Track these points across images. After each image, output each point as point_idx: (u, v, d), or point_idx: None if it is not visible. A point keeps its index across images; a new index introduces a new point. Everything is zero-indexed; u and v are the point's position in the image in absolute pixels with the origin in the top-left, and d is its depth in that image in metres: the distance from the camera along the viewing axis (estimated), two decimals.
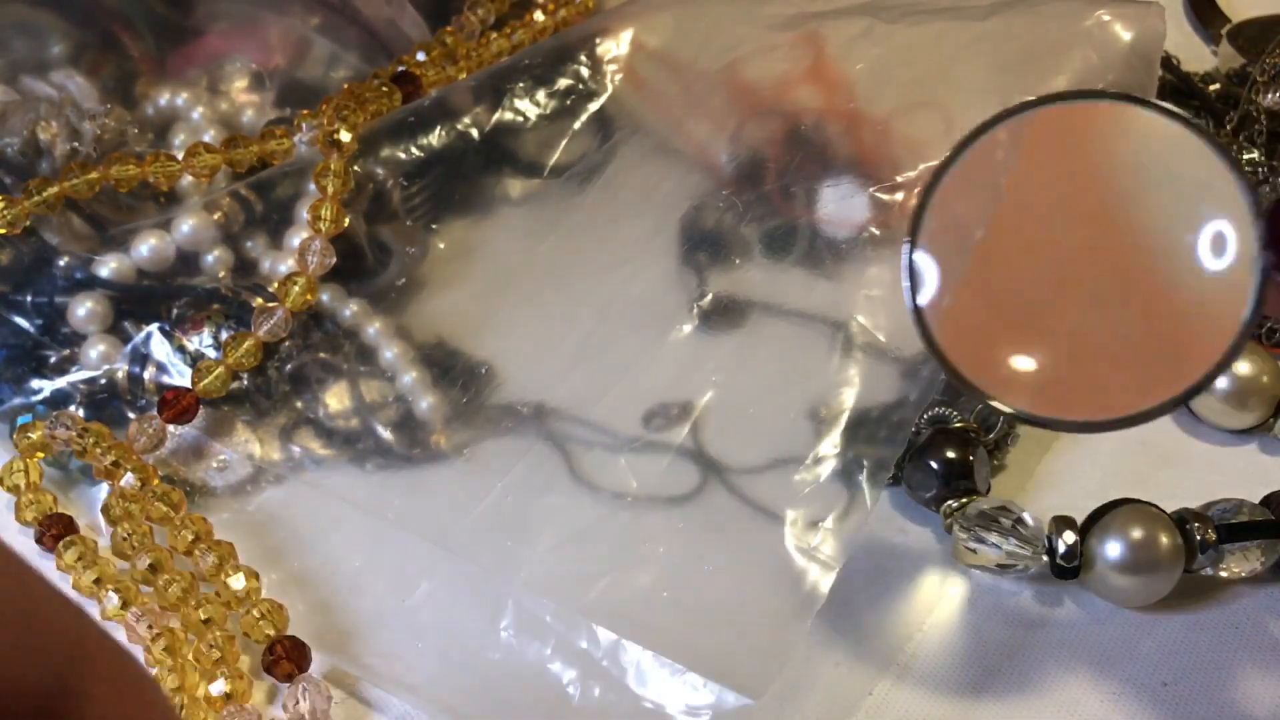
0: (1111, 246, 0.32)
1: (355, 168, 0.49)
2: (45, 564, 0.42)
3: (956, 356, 0.32)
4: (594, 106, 0.52)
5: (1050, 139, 0.32)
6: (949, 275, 0.32)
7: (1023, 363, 0.32)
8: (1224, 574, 0.41)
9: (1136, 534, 0.40)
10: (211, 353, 0.46)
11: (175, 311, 0.47)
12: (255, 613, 0.40)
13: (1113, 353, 0.32)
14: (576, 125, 0.52)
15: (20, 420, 0.45)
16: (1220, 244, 0.31)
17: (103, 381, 0.46)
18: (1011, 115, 0.33)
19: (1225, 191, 0.31)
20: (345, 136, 0.48)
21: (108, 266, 0.48)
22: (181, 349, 0.46)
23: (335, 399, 0.46)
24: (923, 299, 0.32)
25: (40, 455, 0.45)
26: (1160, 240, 0.31)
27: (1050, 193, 0.32)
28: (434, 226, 0.51)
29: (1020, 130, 0.32)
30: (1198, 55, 0.60)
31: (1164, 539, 0.40)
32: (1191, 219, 0.31)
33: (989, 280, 0.32)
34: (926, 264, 0.32)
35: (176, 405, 0.45)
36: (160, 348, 0.46)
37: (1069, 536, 0.40)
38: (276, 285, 0.47)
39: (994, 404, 0.32)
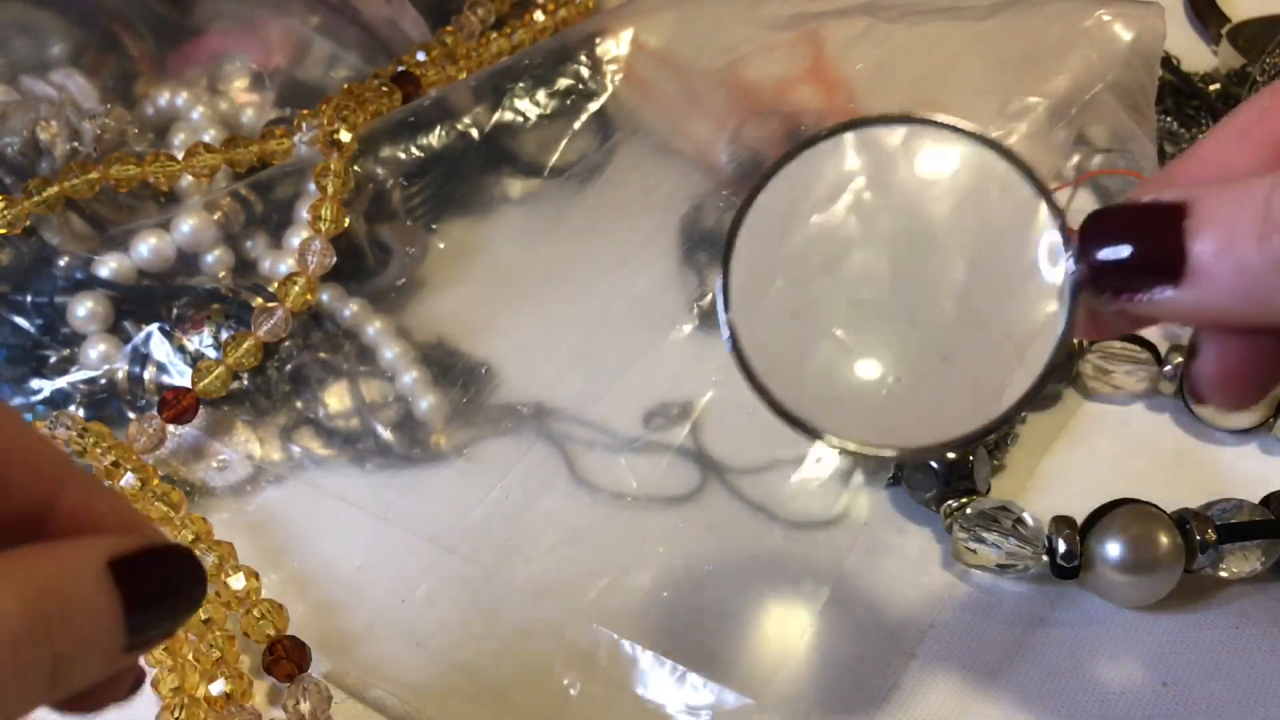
0: (924, 273, 0.31)
1: (355, 168, 0.49)
2: None
3: (781, 392, 0.30)
4: (594, 106, 0.52)
5: (845, 165, 0.31)
6: (768, 312, 0.31)
7: (848, 395, 0.31)
8: (1224, 574, 0.41)
9: (1136, 534, 0.40)
10: (211, 353, 0.46)
11: (175, 311, 0.47)
12: (255, 613, 0.40)
13: (934, 381, 0.30)
14: (576, 125, 0.52)
15: None
16: (1031, 263, 0.30)
17: (103, 381, 0.46)
18: (808, 145, 0.31)
19: (1031, 207, 0.30)
20: (345, 136, 0.48)
21: (108, 266, 0.48)
22: (181, 349, 0.46)
23: (335, 399, 0.46)
24: (742, 339, 0.31)
25: None
26: (971, 264, 0.30)
27: (859, 221, 0.31)
28: (434, 226, 0.51)
29: (819, 158, 0.31)
30: (1198, 55, 0.60)
31: (1164, 539, 0.40)
32: (1001, 239, 0.30)
33: (806, 312, 0.31)
34: (742, 304, 0.31)
35: (176, 405, 0.45)
36: (160, 348, 0.46)
37: (1069, 536, 0.40)
38: (276, 285, 0.47)
39: (825, 439, 0.30)
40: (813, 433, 0.30)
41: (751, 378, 0.31)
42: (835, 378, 0.31)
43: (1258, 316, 0.27)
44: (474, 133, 0.51)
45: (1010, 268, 0.30)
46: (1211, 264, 0.26)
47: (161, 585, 0.25)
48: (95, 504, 0.26)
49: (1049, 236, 0.30)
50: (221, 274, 0.49)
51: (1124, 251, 0.28)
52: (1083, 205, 0.54)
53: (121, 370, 0.46)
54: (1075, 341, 0.47)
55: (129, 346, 0.47)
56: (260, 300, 0.47)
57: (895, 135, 0.31)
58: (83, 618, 0.23)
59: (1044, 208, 0.30)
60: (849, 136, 0.31)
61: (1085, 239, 0.28)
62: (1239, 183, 0.27)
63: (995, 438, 0.45)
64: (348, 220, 0.48)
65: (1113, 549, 0.40)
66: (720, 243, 0.48)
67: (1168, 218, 0.27)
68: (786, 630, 0.39)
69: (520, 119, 0.52)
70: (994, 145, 0.31)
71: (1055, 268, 0.30)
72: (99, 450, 0.44)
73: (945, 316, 0.30)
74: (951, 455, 0.42)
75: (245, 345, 0.45)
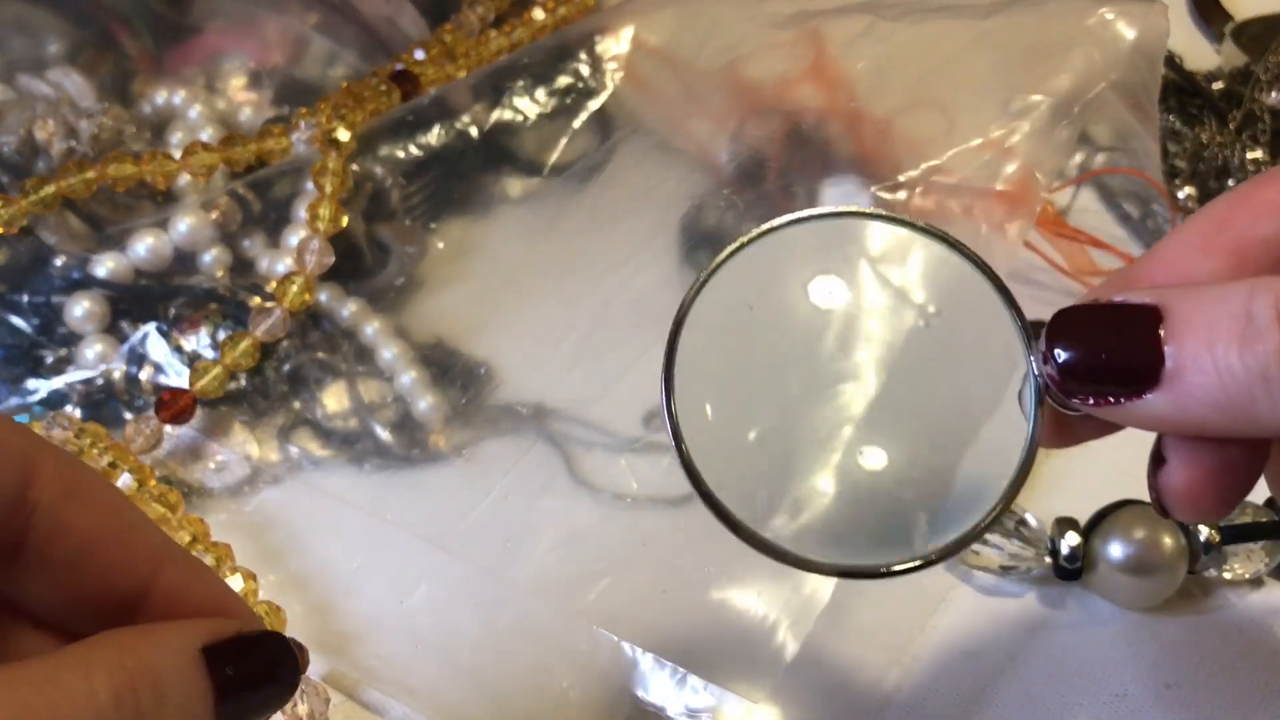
0: (885, 379, 0.29)
1: (353, 166, 0.49)
2: None
3: (734, 504, 0.29)
4: (594, 105, 0.52)
5: (798, 261, 0.30)
6: (716, 416, 0.29)
7: (805, 505, 0.29)
8: (1228, 575, 0.41)
9: (1139, 535, 0.40)
10: (209, 353, 0.46)
11: (173, 311, 0.47)
12: None
13: (895, 493, 0.29)
14: (576, 124, 0.52)
15: (17, 420, 0.45)
16: (992, 366, 0.28)
17: (100, 381, 0.46)
18: (759, 237, 0.30)
19: (991, 306, 0.29)
20: (343, 135, 0.48)
21: (105, 266, 0.47)
22: (179, 349, 0.46)
23: (333, 399, 0.46)
24: (689, 443, 0.29)
25: None
26: (932, 369, 0.29)
27: (805, 318, 0.29)
28: (433, 226, 0.51)
29: (768, 252, 0.30)
30: (1201, 53, 0.60)
31: (1167, 540, 0.40)
32: (960, 341, 0.29)
33: (756, 417, 0.29)
34: (689, 405, 0.29)
35: (174, 405, 0.44)
36: (157, 348, 0.46)
37: (1072, 538, 0.40)
38: (274, 285, 0.46)
39: (779, 551, 0.29)
40: (777, 554, 0.28)
41: (703, 491, 0.29)
42: (794, 493, 0.29)
43: (1236, 426, 0.25)
44: (473, 131, 0.51)
45: (970, 370, 0.29)
46: (1189, 370, 0.25)
47: (255, 673, 0.25)
48: (194, 585, 0.26)
49: (1010, 337, 0.28)
50: (219, 273, 0.49)
51: (1094, 354, 0.26)
52: (1086, 204, 0.54)
53: (118, 370, 0.46)
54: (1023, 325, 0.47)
55: (126, 346, 0.46)
56: (258, 300, 0.47)
57: (843, 231, 0.30)
58: (174, 705, 0.23)
59: (1003, 306, 0.29)
60: (794, 231, 0.30)
61: (1052, 339, 0.27)
62: (1215, 286, 0.26)
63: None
64: (346, 219, 0.47)
65: (1116, 550, 0.40)
66: (721, 242, 0.48)
67: (1142, 319, 0.26)
68: (786, 632, 0.39)
69: (520, 117, 0.52)
70: (945, 239, 0.29)
71: (1017, 371, 0.28)
72: (96, 451, 0.43)
73: (907, 425, 0.29)
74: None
75: (243, 345, 0.45)
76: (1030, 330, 0.28)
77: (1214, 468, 0.27)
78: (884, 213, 0.30)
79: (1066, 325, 0.27)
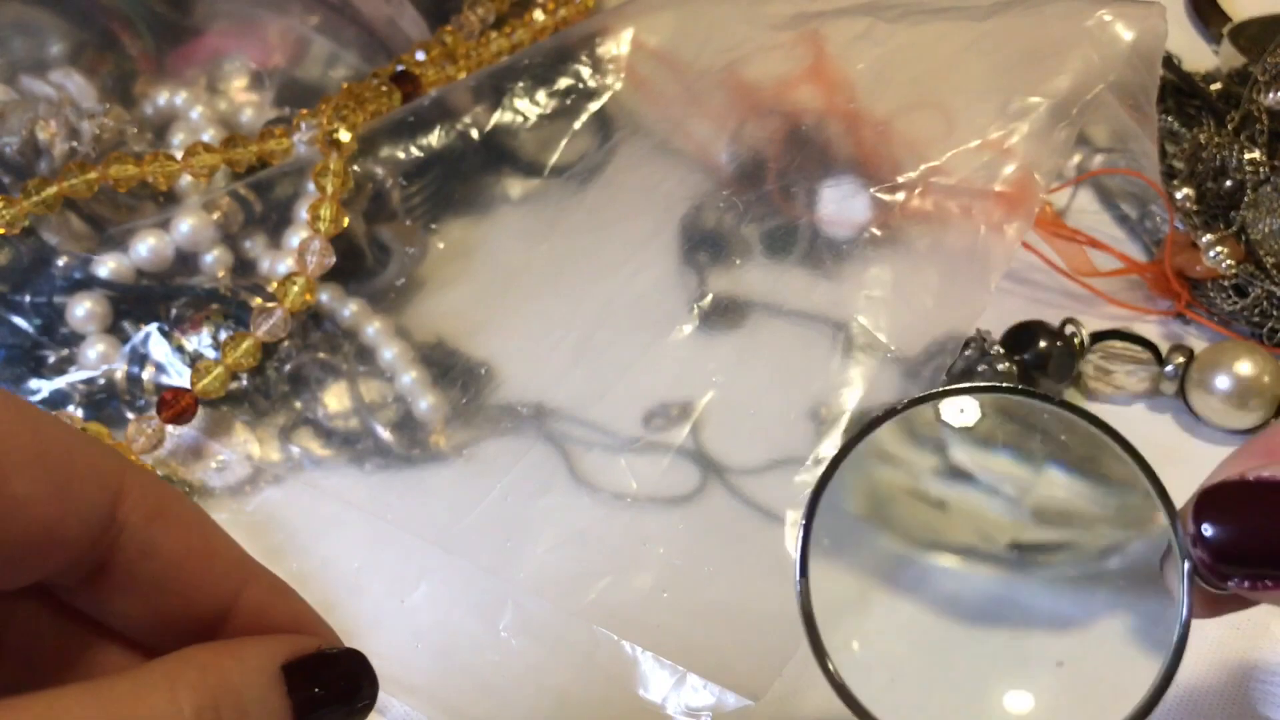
0: (1028, 570, 0.28)
1: (354, 167, 0.49)
2: None
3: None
4: (594, 106, 0.52)
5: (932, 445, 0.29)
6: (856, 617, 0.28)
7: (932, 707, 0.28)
8: None
9: None
10: (210, 353, 0.46)
11: (174, 311, 0.47)
12: None
13: (1052, 691, 0.28)
14: (576, 125, 0.52)
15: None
16: (1142, 554, 0.27)
17: (101, 381, 0.46)
18: (892, 416, 0.28)
19: (1143, 498, 0.27)
20: (344, 136, 0.48)
21: (106, 266, 0.47)
22: (180, 349, 0.46)
23: (334, 399, 0.46)
24: (834, 653, 0.28)
25: None
26: (1083, 556, 0.28)
27: (956, 506, 0.29)
28: (433, 226, 0.51)
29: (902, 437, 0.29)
30: (1199, 54, 0.60)
31: None
32: (1108, 527, 0.28)
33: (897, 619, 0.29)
34: (829, 608, 0.28)
35: (175, 405, 0.44)
36: (159, 348, 0.46)
37: None
38: (275, 285, 0.47)
39: None
40: None
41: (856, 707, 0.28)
42: (935, 698, 0.28)
43: None
44: (473, 132, 0.51)
45: (1120, 559, 0.28)
46: None
47: (334, 690, 0.25)
48: (275, 603, 0.26)
49: (1159, 523, 0.27)
50: (220, 274, 0.49)
51: (1249, 537, 0.25)
52: (1084, 204, 0.54)
53: (120, 370, 0.46)
54: (1076, 342, 0.47)
55: (127, 347, 0.47)
56: (259, 300, 0.47)
57: (992, 410, 0.28)
58: None
59: (1151, 492, 0.28)
60: (928, 409, 0.29)
61: (1201, 518, 0.25)
62: None
63: None
64: (347, 220, 0.48)
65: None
66: (721, 243, 0.48)
67: None
68: (786, 630, 0.39)
69: (520, 119, 0.52)
70: (1100, 425, 0.28)
71: (1167, 551, 0.27)
72: None
73: (1056, 616, 0.28)
74: None
75: (244, 345, 0.45)
76: (1173, 507, 0.27)
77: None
78: (1052, 399, 0.28)
79: (1217, 504, 0.26)
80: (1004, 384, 0.29)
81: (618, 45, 0.53)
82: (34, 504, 0.22)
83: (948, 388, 0.29)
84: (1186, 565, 0.26)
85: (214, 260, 0.49)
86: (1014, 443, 0.29)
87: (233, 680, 0.23)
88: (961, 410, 0.29)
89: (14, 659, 0.25)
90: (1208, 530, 0.25)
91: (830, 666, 0.28)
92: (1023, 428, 0.29)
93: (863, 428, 0.29)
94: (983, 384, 0.29)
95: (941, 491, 0.29)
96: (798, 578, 0.28)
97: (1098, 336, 0.47)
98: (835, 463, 0.29)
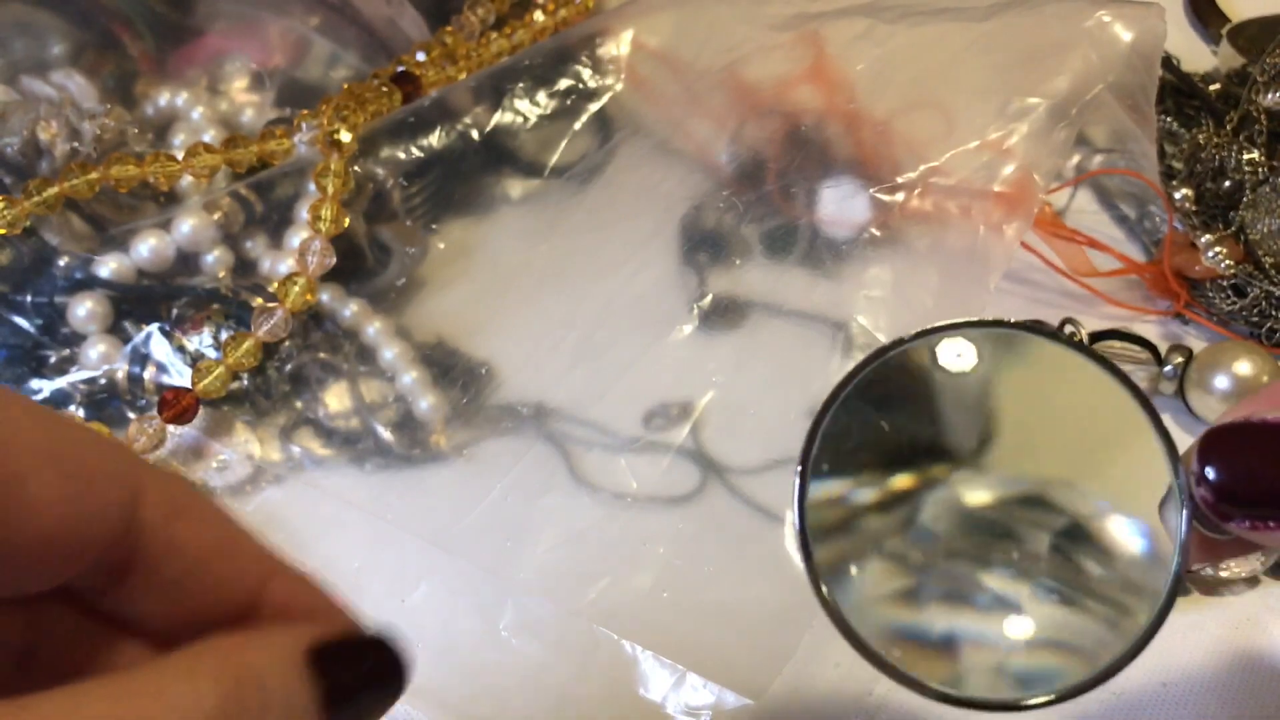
0: (1029, 503, 0.28)
1: (355, 168, 0.49)
2: None
3: (883, 646, 0.28)
4: (594, 107, 0.52)
5: (954, 371, 0.29)
6: (855, 545, 0.28)
7: (947, 639, 0.29)
8: (1224, 574, 0.41)
9: None
10: (211, 353, 0.46)
11: (175, 311, 0.47)
12: None
13: (1054, 623, 0.28)
14: (577, 125, 0.52)
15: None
16: (1141, 489, 0.27)
17: (102, 381, 0.46)
18: (904, 344, 0.29)
19: (1143, 436, 0.27)
20: (345, 136, 0.48)
21: (107, 266, 0.48)
22: (181, 349, 0.46)
23: (335, 399, 0.46)
24: (836, 589, 0.28)
25: None
26: (1079, 493, 0.28)
27: (954, 433, 0.29)
28: (434, 227, 0.51)
29: (915, 359, 0.29)
30: (1198, 55, 0.60)
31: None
32: (1107, 460, 0.28)
33: (908, 548, 0.29)
34: (829, 547, 0.28)
35: (176, 405, 0.45)
36: (160, 348, 0.46)
37: None
38: (276, 285, 0.47)
39: (925, 686, 0.28)
40: (917, 684, 0.28)
41: (862, 646, 0.28)
42: (945, 626, 0.29)
43: None
44: (474, 133, 0.51)
45: (1118, 493, 0.28)
46: None
47: (362, 677, 0.25)
48: (301, 595, 0.26)
49: (1160, 459, 0.27)
50: (221, 274, 0.49)
51: (1254, 477, 0.25)
52: (1083, 205, 0.54)
53: (121, 370, 0.46)
54: (1075, 340, 0.47)
55: (129, 347, 0.47)
56: (260, 300, 0.47)
57: (1000, 342, 0.29)
58: (280, 708, 0.23)
59: (1151, 431, 0.28)
60: (936, 341, 0.29)
61: (1205, 460, 0.25)
62: None
63: None
64: (347, 220, 0.48)
65: None
66: (720, 243, 0.48)
67: None
68: (786, 630, 0.39)
69: (520, 119, 0.52)
70: (1104, 362, 0.28)
71: (1168, 494, 0.27)
72: None
73: (1055, 552, 0.28)
74: None
75: (245, 345, 0.45)
76: (1175, 448, 0.27)
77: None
78: (1064, 336, 0.29)
79: (1221, 445, 0.26)
80: (1004, 319, 0.29)
81: (618, 46, 0.53)
82: (52, 506, 0.22)
83: (947, 323, 0.29)
84: (1186, 510, 0.27)
85: (215, 260, 0.49)
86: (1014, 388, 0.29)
87: (256, 666, 0.23)
88: (959, 355, 0.29)
89: (43, 665, 0.25)
90: (1210, 471, 0.25)
91: (824, 591, 0.28)
92: (1023, 369, 0.29)
93: (866, 359, 0.29)
94: (983, 319, 0.29)
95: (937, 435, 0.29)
96: (797, 505, 0.29)
97: (1097, 336, 0.47)
98: (837, 393, 0.29)
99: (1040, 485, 0.29)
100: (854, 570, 0.29)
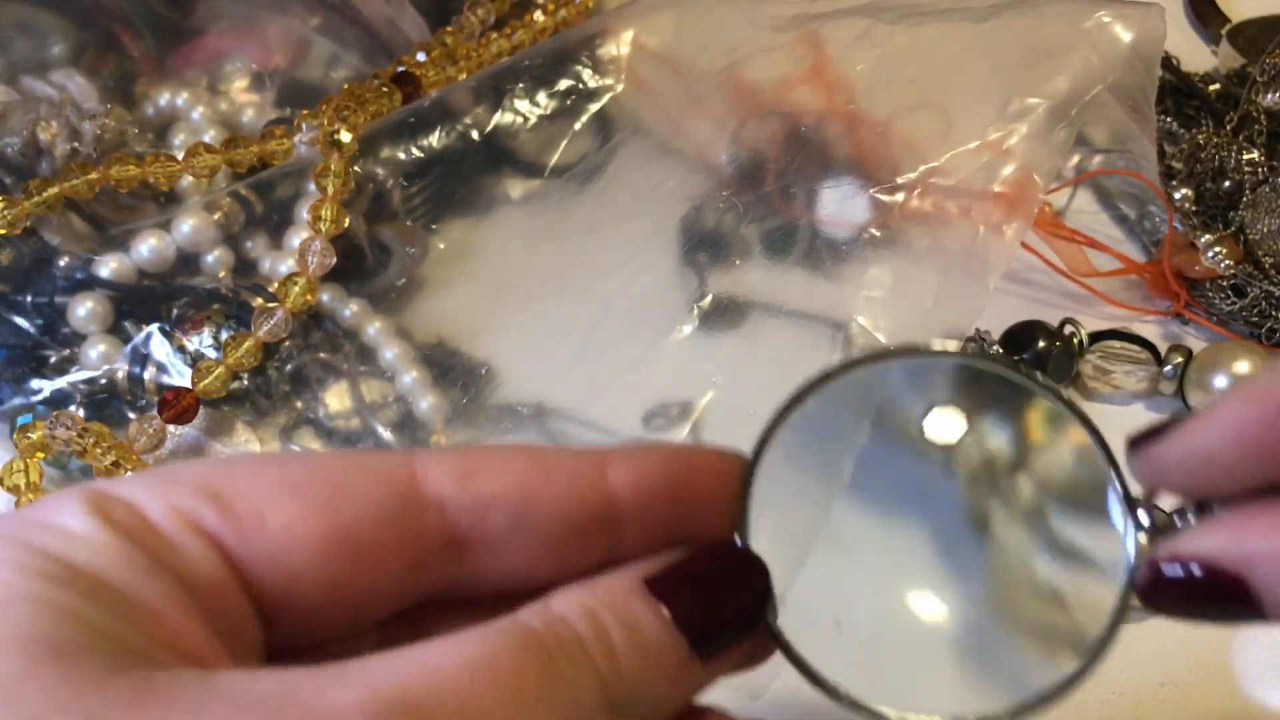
0: (976, 526, 0.28)
1: (355, 168, 0.49)
2: None
3: (837, 675, 0.27)
4: (594, 107, 0.52)
5: (880, 401, 0.29)
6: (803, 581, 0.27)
7: (896, 660, 0.28)
8: None
9: None
10: (211, 353, 0.46)
11: (175, 312, 0.47)
12: None
13: (988, 642, 0.28)
14: (577, 126, 0.52)
15: (20, 420, 0.45)
16: (1091, 530, 0.28)
17: (103, 381, 0.46)
18: (827, 380, 0.28)
19: (1091, 461, 0.28)
20: (345, 137, 0.48)
21: (108, 267, 0.48)
22: (181, 349, 0.46)
23: (335, 399, 0.46)
24: (782, 617, 0.27)
25: (40, 455, 0.45)
26: (1027, 520, 0.28)
27: (883, 467, 0.28)
28: (434, 227, 0.51)
29: (843, 394, 0.28)
30: (1198, 55, 0.60)
31: None
32: (1063, 504, 0.28)
33: (840, 577, 0.28)
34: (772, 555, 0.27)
35: (176, 405, 0.45)
36: (160, 348, 0.46)
37: None
38: (276, 285, 0.47)
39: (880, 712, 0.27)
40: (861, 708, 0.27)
41: (810, 673, 0.27)
42: (883, 641, 0.28)
43: None
44: (474, 133, 0.51)
45: (1068, 526, 0.28)
46: None
47: (706, 591, 0.24)
48: (643, 466, 0.25)
49: (1104, 484, 0.27)
50: (221, 274, 0.49)
51: (1188, 598, 0.26)
52: (1083, 205, 0.54)
53: (121, 370, 0.46)
54: (1075, 342, 0.47)
55: (129, 347, 0.47)
56: (260, 300, 0.47)
57: (943, 372, 0.28)
58: (628, 640, 0.23)
59: (1099, 457, 0.28)
60: (887, 367, 0.28)
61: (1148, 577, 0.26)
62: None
63: None
64: (348, 220, 0.48)
65: None
66: (720, 243, 0.48)
67: (1231, 589, 0.25)
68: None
69: (521, 119, 0.52)
70: (1042, 384, 0.28)
71: (1121, 532, 0.27)
72: (99, 451, 0.44)
73: (999, 574, 0.28)
74: None
75: (245, 345, 0.45)
76: (1129, 494, 0.27)
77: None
78: (990, 359, 0.28)
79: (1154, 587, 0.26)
80: (958, 351, 0.29)
81: (618, 46, 0.53)
82: (298, 526, 0.22)
83: (894, 349, 0.29)
84: (1129, 574, 0.27)
85: (215, 260, 0.49)
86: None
87: (607, 598, 0.23)
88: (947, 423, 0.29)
89: None
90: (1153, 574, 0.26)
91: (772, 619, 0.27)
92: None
93: (802, 388, 0.28)
94: (933, 350, 0.28)
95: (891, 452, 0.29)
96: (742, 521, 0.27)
97: (1096, 336, 0.47)
98: (785, 411, 0.28)
99: (986, 501, 0.29)
100: (795, 599, 0.28)
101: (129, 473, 0.43)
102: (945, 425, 0.29)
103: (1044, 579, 0.29)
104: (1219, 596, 0.25)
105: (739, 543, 0.26)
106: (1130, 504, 0.27)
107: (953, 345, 0.29)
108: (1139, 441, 0.27)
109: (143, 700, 0.19)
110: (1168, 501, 0.28)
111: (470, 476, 0.24)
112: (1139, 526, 0.27)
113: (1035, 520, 0.29)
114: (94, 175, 0.47)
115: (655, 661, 0.23)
